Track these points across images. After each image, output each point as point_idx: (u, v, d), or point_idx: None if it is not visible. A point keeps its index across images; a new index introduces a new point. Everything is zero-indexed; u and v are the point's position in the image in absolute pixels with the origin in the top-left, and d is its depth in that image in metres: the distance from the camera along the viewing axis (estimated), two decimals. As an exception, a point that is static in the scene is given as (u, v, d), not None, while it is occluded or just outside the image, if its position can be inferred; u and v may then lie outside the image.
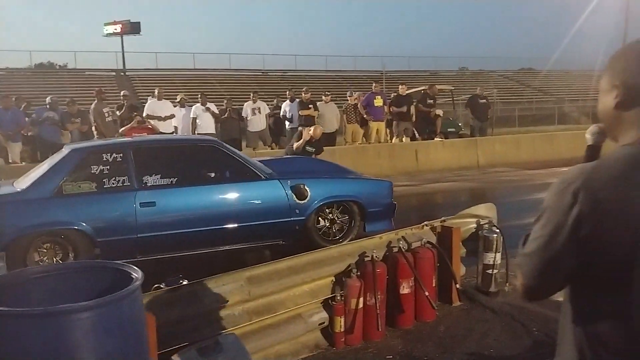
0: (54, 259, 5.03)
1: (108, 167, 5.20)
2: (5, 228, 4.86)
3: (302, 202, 5.72)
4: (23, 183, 5.26)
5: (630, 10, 30.74)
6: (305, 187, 5.72)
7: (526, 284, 1.23)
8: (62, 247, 5.08)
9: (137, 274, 2.32)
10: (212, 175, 5.66)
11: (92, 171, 5.16)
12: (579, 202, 1.11)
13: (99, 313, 2.02)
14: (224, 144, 6.08)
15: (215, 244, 5.53)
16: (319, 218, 5.93)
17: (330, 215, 5.99)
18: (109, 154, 5.26)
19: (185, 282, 3.35)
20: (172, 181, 5.39)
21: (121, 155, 5.29)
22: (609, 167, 1.13)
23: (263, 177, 5.73)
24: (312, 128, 8.30)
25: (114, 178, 5.20)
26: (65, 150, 5.51)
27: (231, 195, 5.61)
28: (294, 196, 5.69)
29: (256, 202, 5.63)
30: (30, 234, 4.94)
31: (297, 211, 5.71)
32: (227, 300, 3.33)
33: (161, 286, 3.35)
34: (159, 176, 5.34)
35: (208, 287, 3.30)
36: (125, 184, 5.22)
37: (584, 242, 1.12)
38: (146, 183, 5.29)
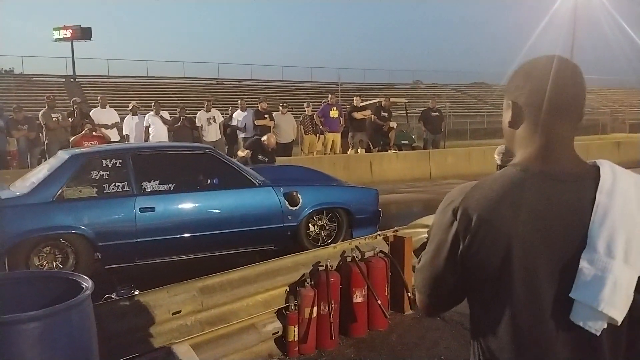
0: (54, 263, 5.09)
1: (108, 172, 5.30)
2: (7, 232, 4.88)
3: (295, 208, 5.88)
4: (22, 187, 5.32)
5: (577, 28, 32.18)
6: (298, 194, 5.87)
7: (419, 298, 1.29)
8: (62, 252, 5.12)
9: (87, 283, 2.29)
10: (208, 181, 5.84)
11: (93, 176, 5.26)
12: (457, 220, 1.15)
13: (46, 323, 1.98)
14: (219, 151, 6.17)
15: (211, 249, 5.65)
16: (309, 224, 6.09)
17: (320, 221, 6.17)
18: (108, 160, 5.36)
19: (136, 292, 3.30)
20: (170, 187, 5.53)
21: (121, 161, 5.39)
22: (487, 187, 1.16)
23: (257, 184, 5.89)
24: (266, 136, 8.35)
25: (114, 183, 5.30)
26: (65, 156, 5.54)
27: (227, 201, 5.74)
28: (287, 203, 5.85)
29: (250, 208, 5.79)
30: (32, 238, 4.99)
31: (290, 217, 5.90)
32: (180, 311, 3.29)
33: (112, 296, 3.29)
34: (157, 182, 5.47)
35: (160, 297, 3.26)
36: (125, 189, 5.32)
37: (462, 259, 1.15)
38: (145, 189, 5.41)
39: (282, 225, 5.88)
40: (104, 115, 11.33)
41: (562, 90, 1.15)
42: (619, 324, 1.07)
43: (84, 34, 38.91)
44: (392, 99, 16.09)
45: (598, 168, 1.14)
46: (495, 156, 1.36)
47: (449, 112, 26.76)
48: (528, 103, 1.18)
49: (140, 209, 5.27)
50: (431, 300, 1.28)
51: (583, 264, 1.07)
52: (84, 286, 2.25)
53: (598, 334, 1.07)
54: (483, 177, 1.20)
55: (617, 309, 1.05)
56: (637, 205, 1.09)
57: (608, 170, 1.13)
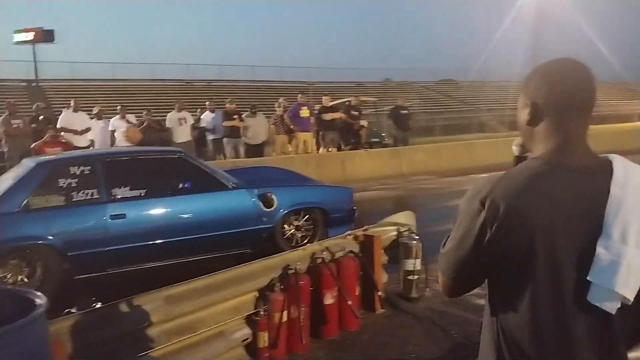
0: (19, 276, 4.93)
1: (76, 180, 5.16)
2: None
3: (269, 210, 5.83)
4: None
5: (540, 25, 32.82)
6: (272, 195, 5.82)
7: (443, 281, 1.38)
8: (29, 264, 4.97)
9: (41, 300, 2.20)
10: (181, 186, 5.74)
11: (60, 184, 5.10)
12: (485, 210, 1.22)
13: (-5, 345, 1.88)
14: (192, 154, 6.07)
15: (185, 255, 5.58)
16: (285, 225, 6.05)
17: (296, 222, 6.14)
18: (77, 167, 5.22)
19: (98, 305, 3.21)
20: (141, 193, 5.41)
21: (89, 167, 5.27)
22: (514, 178, 1.24)
23: (230, 186, 5.82)
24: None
25: (82, 191, 5.15)
26: (30, 164, 5.40)
27: (200, 205, 5.67)
28: (262, 204, 5.79)
29: (224, 211, 5.72)
30: None
31: (265, 219, 5.85)
32: (145, 322, 3.20)
33: (72, 310, 3.19)
34: (128, 188, 5.34)
35: (123, 309, 3.16)
36: (95, 196, 5.19)
37: (488, 245, 1.23)
38: (115, 195, 5.28)
39: (257, 227, 5.82)
40: (74, 120, 10.97)
41: (579, 91, 1.27)
42: (630, 302, 1.19)
43: (47, 36, 37.88)
44: (361, 98, 16.13)
45: (611, 162, 1.25)
46: (513, 147, 1.44)
47: (419, 109, 26.95)
48: (548, 103, 1.28)
49: (111, 216, 5.17)
50: (455, 283, 1.36)
51: (600, 250, 1.18)
52: (37, 303, 2.16)
53: (614, 312, 1.19)
54: (509, 169, 1.30)
55: (630, 290, 1.18)
56: None
57: (620, 164, 1.24)
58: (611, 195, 1.20)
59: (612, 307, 1.19)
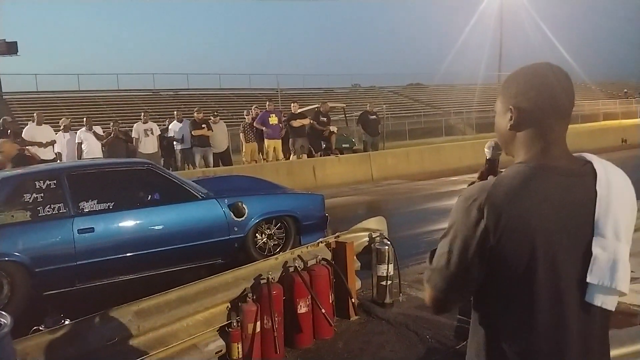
0: None
1: (42, 194, 5.05)
2: None
3: (240, 219, 5.78)
4: None
5: (504, 26, 33.51)
6: (243, 204, 5.77)
7: (434, 296, 1.32)
8: None
9: (5, 319, 2.14)
10: (149, 197, 5.67)
11: (25, 199, 5.00)
12: (485, 217, 1.21)
13: (-43, 369, 1.82)
14: (159, 166, 5.96)
15: (155, 267, 5.49)
16: (257, 234, 6.02)
17: (268, 230, 6.11)
18: (42, 181, 5.11)
19: (67, 322, 3.13)
20: (109, 206, 5.32)
21: (55, 181, 5.16)
22: (507, 184, 1.24)
23: (200, 196, 5.76)
24: None
25: (48, 205, 5.04)
26: None
27: (169, 216, 5.57)
28: (232, 214, 5.74)
29: (195, 222, 5.66)
30: None
31: (236, 229, 5.80)
32: (115, 337, 3.14)
33: (40, 328, 3.10)
34: (95, 201, 5.25)
35: (93, 325, 3.10)
36: (61, 210, 5.08)
37: (490, 254, 1.22)
38: (83, 209, 5.19)
39: (228, 237, 5.77)
40: (39, 132, 10.78)
41: (562, 95, 1.28)
42: (627, 294, 1.23)
43: (10, 48, 36.88)
44: (330, 104, 16.17)
45: (590, 162, 1.28)
46: (486, 150, 1.38)
47: (387, 114, 27.19)
48: (533, 107, 1.28)
49: (78, 230, 5.05)
50: (448, 298, 1.32)
51: (597, 250, 1.21)
52: (1, 323, 2.10)
53: (614, 309, 1.23)
54: (499, 175, 1.30)
55: (627, 284, 1.22)
56: (627, 191, 1.26)
57: (600, 164, 1.27)
58: (599, 196, 1.22)
59: (612, 304, 1.22)
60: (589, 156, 1.30)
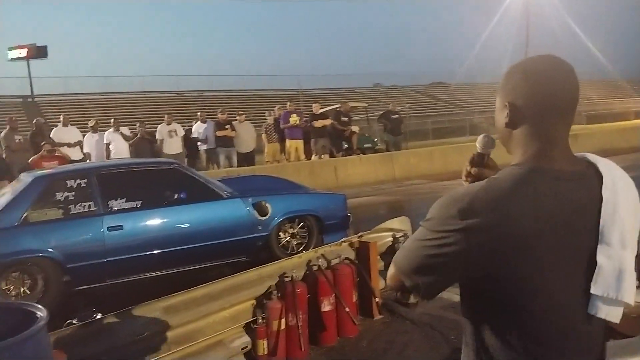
0: (22, 288, 5.00)
1: (73, 193, 5.22)
2: None
3: (264, 218, 5.87)
4: None
5: (528, 23, 33.12)
6: (267, 203, 5.88)
7: (395, 275, 1.23)
8: (30, 276, 5.02)
9: (42, 313, 2.22)
10: (176, 196, 5.77)
11: (58, 198, 5.18)
12: (467, 220, 1.10)
13: (-1, 359, 1.90)
14: (186, 165, 6.05)
15: (181, 264, 5.60)
16: (280, 233, 6.10)
17: (291, 229, 6.18)
18: (73, 180, 5.29)
19: (98, 316, 3.23)
20: (137, 204, 5.47)
21: (85, 180, 5.33)
22: (497, 187, 1.13)
23: (225, 196, 5.87)
24: None
25: (79, 204, 5.21)
26: (28, 179, 5.44)
27: (195, 215, 5.71)
28: (256, 213, 5.84)
29: (220, 220, 5.77)
30: None
31: (260, 227, 5.90)
32: (144, 332, 3.22)
33: (73, 322, 3.20)
34: (124, 200, 5.40)
35: (123, 320, 3.19)
36: (92, 209, 5.25)
37: (471, 258, 1.11)
38: (112, 207, 5.34)
39: (252, 235, 5.87)
40: (65, 134, 11.08)
41: (562, 91, 1.17)
42: (632, 305, 1.14)
43: (40, 52, 37.94)
44: (351, 104, 16.19)
45: (594, 165, 1.19)
46: (477, 144, 1.31)
47: (409, 114, 27.07)
48: (529, 104, 1.19)
49: (108, 227, 5.22)
50: (412, 283, 1.19)
51: (602, 259, 1.12)
52: (38, 316, 2.18)
53: (618, 321, 1.13)
54: (489, 178, 1.18)
55: (632, 295, 1.13)
56: (633, 195, 1.17)
57: (605, 167, 1.18)
58: (605, 201, 1.13)
59: (617, 316, 1.13)
60: (593, 157, 1.20)
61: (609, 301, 1.12)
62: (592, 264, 1.12)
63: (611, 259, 1.11)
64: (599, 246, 1.12)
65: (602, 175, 1.16)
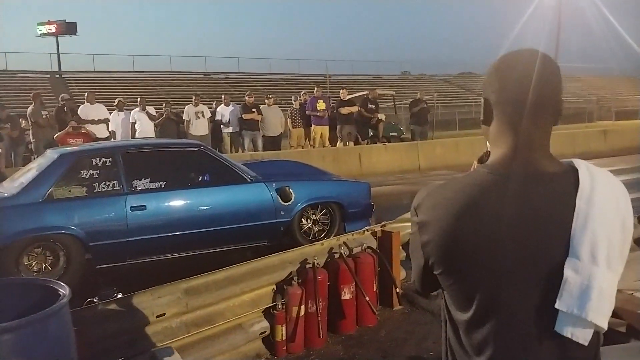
0: (44, 265, 5.07)
1: (98, 171, 5.25)
2: None
3: (287, 204, 5.85)
4: (11, 188, 5.25)
5: (562, 17, 32.32)
6: (290, 189, 5.86)
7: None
8: (53, 252, 5.08)
9: (64, 290, 2.23)
10: (200, 178, 5.79)
11: (82, 175, 5.20)
12: (417, 217, 1.17)
13: (21, 334, 1.92)
14: (211, 148, 6.12)
15: (203, 246, 5.62)
16: (302, 219, 6.08)
17: (313, 216, 6.17)
18: (98, 159, 5.31)
19: (119, 295, 3.24)
20: (161, 185, 5.48)
21: (110, 159, 5.34)
22: (445, 189, 1.15)
23: (249, 179, 5.86)
24: None
25: (104, 182, 5.24)
26: (53, 155, 5.47)
27: (218, 198, 5.71)
28: (279, 198, 5.82)
29: (243, 204, 5.77)
30: (22, 239, 4.93)
31: (282, 213, 5.87)
32: (164, 313, 3.24)
33: (94, 300, 3.23)
34: (148, 180, 5.41)
35: (143, 300, 3.20)
36: (116, 188, 5.27)
37: (430, 265, 1.16)
38: (136, 187, 5.36)
39: (274, 220, 5.85)
40: (92, 111, 11.14)
41: (535, 86, 1.09)
42: (605, 330, 1.05)
43: (69, 28, 38.46)
44: (379, 91, 16.02)
45: (575, 170, 1.09)
46: (487, 142, 1.27)
47: (437, 103, 26.75)
48: (499, 101, 1.14)
49: (131, 207, 5.23)
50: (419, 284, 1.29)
51: (568, 272, 1.03)
52: (61, 293, 2.19)
53: (587, 343, 1.05)
54: (450, 179, 1.17)
55: (604, 316, 1.04)
56: (615, 208, 1.06)
57: (586, 173, 1.08)
58: (577, 212, 1.04)
59: (584, 337, 1.04)
60: (578, 162, 1.11)
61: (574, 319, 1.03)
62: (561, 277, 1.04)
63: (578, 273, 1.02)
64: (567, 258, 1.04)
65: (580, 182, 1.07)
